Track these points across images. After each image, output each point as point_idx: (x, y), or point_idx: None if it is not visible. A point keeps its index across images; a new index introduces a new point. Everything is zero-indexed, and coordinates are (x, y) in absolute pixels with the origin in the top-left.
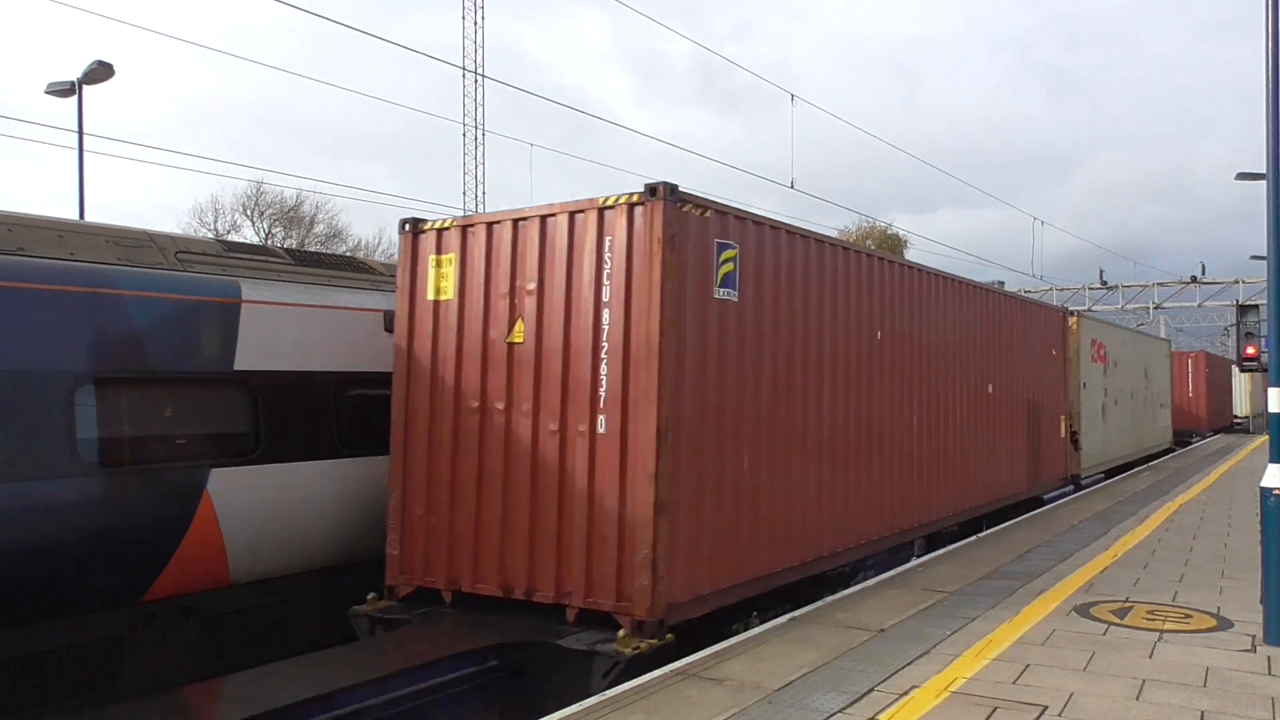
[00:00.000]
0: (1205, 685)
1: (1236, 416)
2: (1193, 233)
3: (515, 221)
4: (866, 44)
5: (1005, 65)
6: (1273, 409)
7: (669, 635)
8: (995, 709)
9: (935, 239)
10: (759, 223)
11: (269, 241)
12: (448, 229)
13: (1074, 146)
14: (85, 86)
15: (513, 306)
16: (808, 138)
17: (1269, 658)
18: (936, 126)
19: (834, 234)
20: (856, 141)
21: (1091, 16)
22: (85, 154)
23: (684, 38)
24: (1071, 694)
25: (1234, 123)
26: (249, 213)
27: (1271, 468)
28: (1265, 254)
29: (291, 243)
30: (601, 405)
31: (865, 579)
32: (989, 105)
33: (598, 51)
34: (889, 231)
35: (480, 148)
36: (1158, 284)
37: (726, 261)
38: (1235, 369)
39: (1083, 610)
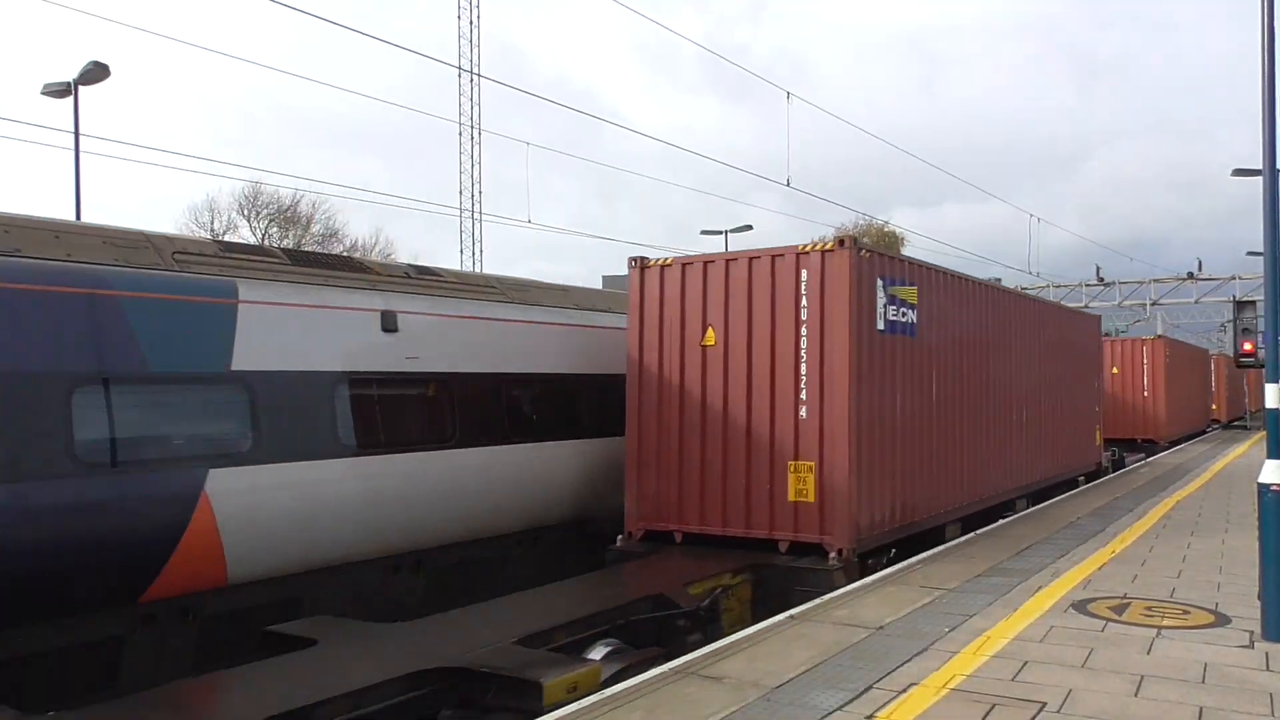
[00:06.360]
0: (1204, 681)
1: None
2: (1206, 227)
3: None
4: (884, 26)
5: (1031, 48)
6: (1270, 404)
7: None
8: (994, 706)
9: (938, 236)
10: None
11: (266, 242)
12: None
13: (1092, 136)
14: (81, 87)
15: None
16: (813, 131)
17: (1267, 654)
18: (955, 114)
19: (830, 232)
20: (862, 134)
21: None
22: (81, 155)
23: (683, 38)
24: (1070, 690)
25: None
26: (245, 213)
27: (1269, 463)
28: (1261, 249)
29: (288, 243)
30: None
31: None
32: (1011, 92)
33: (602, 39)
34: (886, 229)
35: (476, 146)
36: (1154, 280)
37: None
38: None
39: (1080, 607)
